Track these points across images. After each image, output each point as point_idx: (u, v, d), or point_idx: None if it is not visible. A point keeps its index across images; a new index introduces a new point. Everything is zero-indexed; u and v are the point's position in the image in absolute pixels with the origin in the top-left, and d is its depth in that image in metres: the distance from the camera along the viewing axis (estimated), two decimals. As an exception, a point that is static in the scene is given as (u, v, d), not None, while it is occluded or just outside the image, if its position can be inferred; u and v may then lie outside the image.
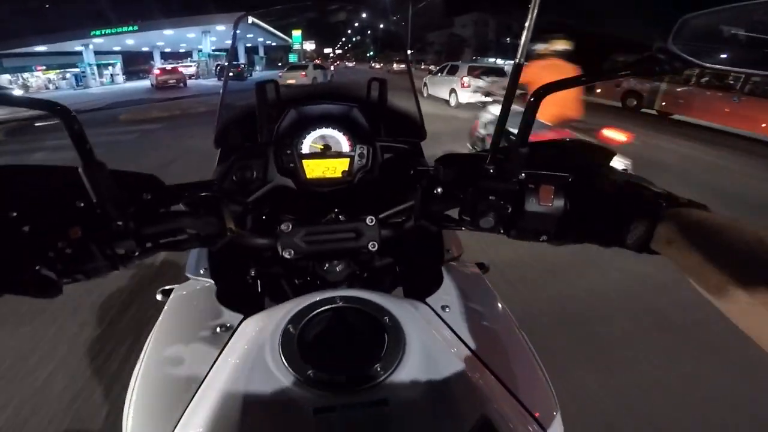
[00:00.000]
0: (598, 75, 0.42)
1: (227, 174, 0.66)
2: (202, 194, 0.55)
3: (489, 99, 4.88)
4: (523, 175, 0.44)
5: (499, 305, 0.59)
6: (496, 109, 3.95)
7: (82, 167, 0.40)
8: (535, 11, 0.41)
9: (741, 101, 7.81)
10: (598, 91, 11.45)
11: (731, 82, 8.42)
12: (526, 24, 0.42)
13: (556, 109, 2.65)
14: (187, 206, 0.54)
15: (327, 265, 0.60)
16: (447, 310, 0.53)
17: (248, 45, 37.03)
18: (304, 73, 15.71)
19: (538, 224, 0.43)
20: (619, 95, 11.15)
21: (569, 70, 2.70)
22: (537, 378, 0.48)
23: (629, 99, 11.03)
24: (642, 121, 8.62)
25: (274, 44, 42.43)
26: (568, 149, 0.54)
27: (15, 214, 0.38)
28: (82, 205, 0.41)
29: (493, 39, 42.99)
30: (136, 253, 0.44)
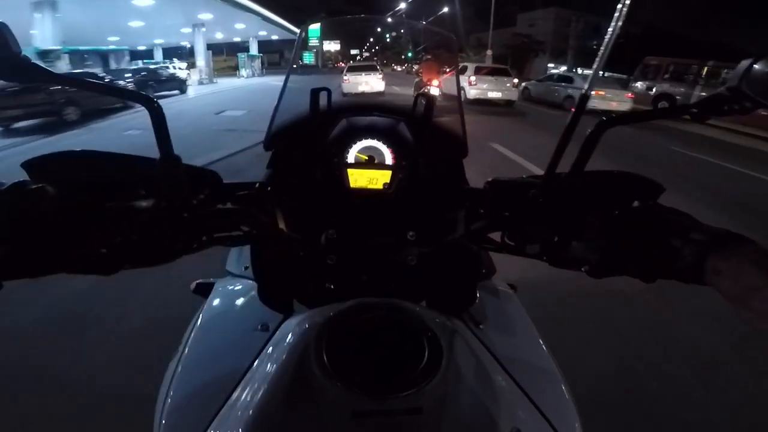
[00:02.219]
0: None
1: (277, 176, 0.68)
2: (256, 194, 0.58)
3: (496, 95, 5.52)
4: (571, 204, 0.44)
5: (530, 325, 0.60)
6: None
7: (160, 159, 0.42)
8: (613, 39, 0.41)
9: None
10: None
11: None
12: (599, 53, 0.42)
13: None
14: (241, 204, 0.56)
15: (361, 273, 0.61)
16: (481, 327, 0.55)
17: (236, 40, 31.31)
18: (380, 75, 12.20)
19: (582, 254, 0.43)
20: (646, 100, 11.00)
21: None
22: (562, 397, 0.49)
23: (660, 103, 10.88)
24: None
25: (275, 39, 34.25)
26: (619, 181, 0.54)
27: (91, 195, 0.40)
28: (152, 194, 0.43)
29: (575, 43, 33.83)
30: (195, 246, 0.46)
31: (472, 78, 11.03)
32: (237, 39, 31.46)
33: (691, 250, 0.35)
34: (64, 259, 0.36)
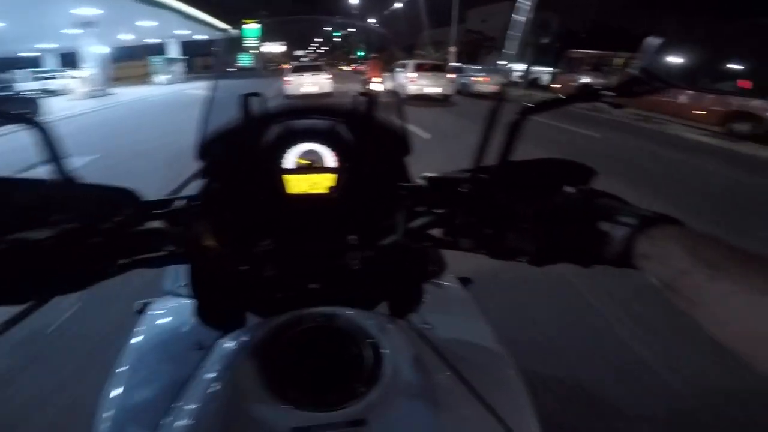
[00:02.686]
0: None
1: (208, 188, 0.65)
2: (182, 209, 0.54)
3: (433, 90, 6.23)
4: (503, 195, 0.44)
5: (481, 321, 0.59)
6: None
7: (56, 182, 0.39)
8: (526, 30, 0.44)
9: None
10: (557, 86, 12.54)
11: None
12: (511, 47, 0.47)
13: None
14: (166, 221, 0.52)
15: (310, 282, 0.60)
16: (428, 327, 0.54)
17: (149, 41, 25.25)
18: (328, 75, 11.66)
19: (517, 245, 0.43)
20: (573, 89, 12.03)
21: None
22: (517, 395, 0.48)
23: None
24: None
25: (201, 39, 28.66)
26: (549, 168, 0.55)
27: None
28: (55, 220, 0.39)
29: (531, 40, 35.94)
30: (111, 271, 0.43)
31: (411, 74, 11.44)
32: (156, 40, 25.92)
33: (620, 234, 0.35)
34: None
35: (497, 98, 0.43)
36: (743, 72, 0.35)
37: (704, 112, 8.71)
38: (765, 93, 0.43)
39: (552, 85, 12.72)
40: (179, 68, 25.62)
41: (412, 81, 11.30)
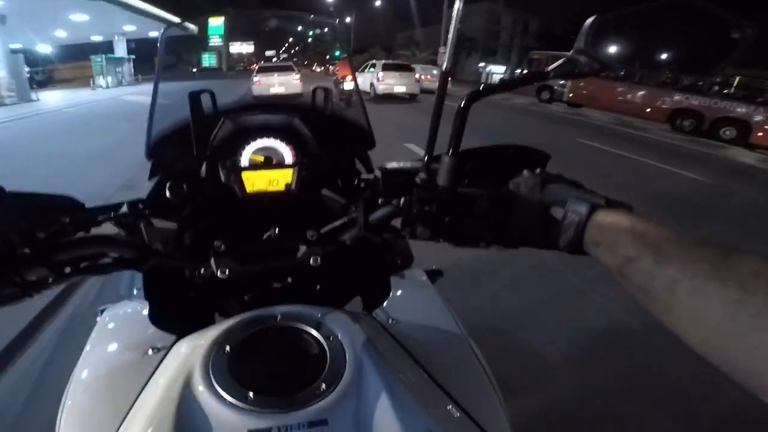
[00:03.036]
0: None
1: (159, 190, 0.62)
2: (129, 214, 0.53)
3: (401, 89, 6.69)
4: (465, 182, 0.44)
5: (448, 314, 0.59)
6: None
7: None
8: (457, 18, 0.43)
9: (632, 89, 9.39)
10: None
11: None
12: (450, 33, 0.44)
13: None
14: (115, 227, 0.51)
15: (270, 281, 0.58)
16: (393, 321, 0.53)
17: (96, 39, 21.64)
18: (297, 75, 11.20)
19: (475, 231, 0.44)
20: (534, 90, 12.55)
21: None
22: (485, 389, 0.48)
23: (543, 92, 12.44)
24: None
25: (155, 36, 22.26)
26: (503, 154, 0.54)
27: None
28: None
29: (507, 40, 32.29)
30: (50, 280, 0.42)
31: (380, 74, 11.96)
32: (98, 38, 22.24)
33: (570, 222, 0.35)
34: None
35: (443, 84, 0.44)
36: (673, 57, 0.37)
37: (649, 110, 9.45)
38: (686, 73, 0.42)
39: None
40: (127, 69, 22.19)
41: (381, 81, 11.89)
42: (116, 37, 21.97)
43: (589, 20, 0.37)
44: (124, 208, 0.53)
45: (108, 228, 0.51)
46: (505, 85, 0.45)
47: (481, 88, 0.43)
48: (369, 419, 0.37)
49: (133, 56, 22.82)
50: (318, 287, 0.63)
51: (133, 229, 0.51)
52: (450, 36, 0.45)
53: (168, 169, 0.64)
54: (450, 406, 0.43)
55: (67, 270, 0.43)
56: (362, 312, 0.54)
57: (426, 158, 0.45)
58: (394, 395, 0.39)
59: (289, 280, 0.59)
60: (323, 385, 0.38)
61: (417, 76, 12.70)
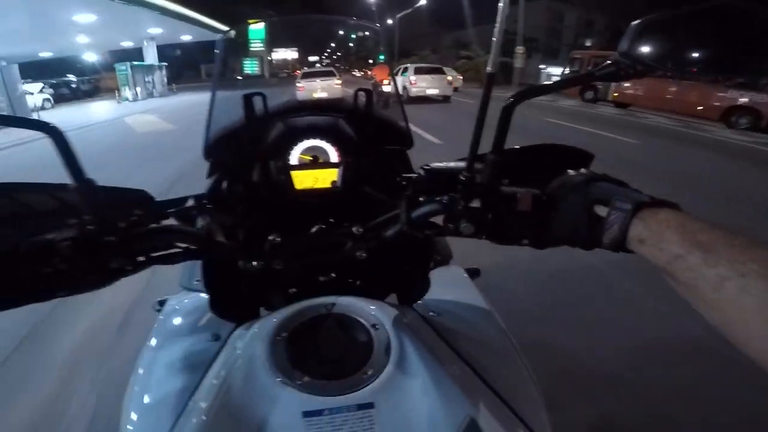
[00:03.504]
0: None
1: (217, 187, 0.67)
2: (192, 208, 0.57)
3: (434, 92, 6.66)
4: (503, 181, 0.45)
5: (487, 309, 0.60)
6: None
7: (73, 185, 0.41)
8: (503, 19, 0.44)
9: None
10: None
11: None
12: (495, 34, 0.48)
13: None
14: (179, 220, 0.55)
15: (319, 273, 0.62)
16: (434, 315, 0.55)
17: (125, 45, 19.53)
18: (338, 80, 12.02)
19: (518, 229, 0.44)
20: (577, 90, 12.24)
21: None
22: (524, 381, 0.49)
23: (587, 92, 12.10)
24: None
25: (191, 41, 22.08)
26: (546, 153, 0.55)
27: (11, 230, 0.39)
28: (75, 221, 0.42)
29: (571, 39, 28.86)
30: (129, 268, 0.45)
31: (413, 78, 12.18)
32: (129, 44, 20.04)
33: (615, 218, 0.36)
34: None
35: (488, 86, 0.44)
36: (719, 59, 0.36)
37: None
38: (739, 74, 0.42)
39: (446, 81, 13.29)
40: (159, 78, 19.49)
41: (413, 84, 12.11)
42: (145, 42, 19.20)
43: (634, 23, 0.37)
44: (190, 202, 0.58)
45: (170, 222, 0.55)
46: (550, 87, 0.45)
47: (526, 89, 0.43)
48: (412, 404, 0.39)
49: (166, 63, 20.24)
50: (357, 282, 0.66)
51: (194, 223, 0.56)
52: (495, 38, 0.50)
53: (224, 168, 0.69)
54: (490, 397, 0.44)
55: (141, 259, 0.46)
56: (404, 305, 0.56)
57: (470, 157, 0.46)
58: (436, 382, 0.41)
59: (333, 274, 0.62)
60: (370, 371, 0.41)
61: (449, 78, 13.04)
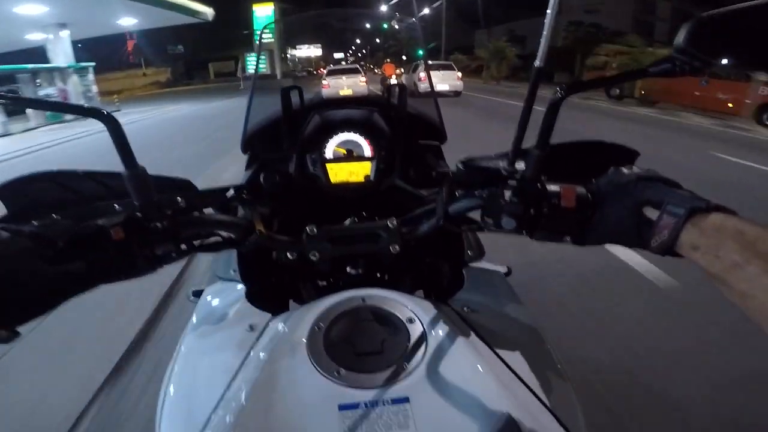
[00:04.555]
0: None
1: (255, 178, 0.69)
2: (233, 198, 0.59)
3: (444, 88, 8.28)
4: (544, 176, 0.44)
5: (521, 307, 0.60)
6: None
7: (125, 172, 0.41)
8: (555, 12, 0.42)
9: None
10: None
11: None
12: (545, 27, 0.42)
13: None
14: (218, 210, 0.56)
15: (349, 267, 0.62)
16: (469, 311, 0.55)
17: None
18: (363, 78, 11.97)
19: (560, 226, 0.43)
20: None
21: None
22: (558, 378, 0.49)
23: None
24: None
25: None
26: (591, 150, 0.54)
27: (63, 216, 0.40)
28: (124, 208, 0.43)
29: (664, 35, 22.39)
30: (173, 255, 0.46)
31: (422, 74, 11.88)
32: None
33: (666, 222, 0.34)
34: (52, 285, 0.36)
35: (536, 81, 0.42)
36: None
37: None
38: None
39: (456, 77, 13.37)
40: (77, 88, 12.48)
41: (423, 80, 11.68)
42: (50, 35, 12.56)
43: (693, 19, 0.36)
44: (230, 193, 0.59)
45: (209, 212, 0.56)
46: (600, 81, 0.44)
47: (574, 83, 0.42)
48: (448, 399, 0.39)
49: (93, 63, 13.50)
50: (386, 276, 0.66)
51: (233, 213, 0.57)
52: (545, 31, 0.44)
53: (262, 160, 0.71)
54: (528, 395, 0.44)
55: (184, 247, 0.47)
56: (438, 300, 0.56)
57: (513, 151, 0.46)
58: (473, 378, 0.41)
59: (360, 270, 0.62)
60: (405, 365, 0.41)
61: (458, 74, 13.35)
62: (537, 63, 0.42)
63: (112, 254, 0.40)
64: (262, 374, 0.42)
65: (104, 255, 0.39)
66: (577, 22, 23.16)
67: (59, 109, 0.41)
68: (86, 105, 0.40)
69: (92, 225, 0.39)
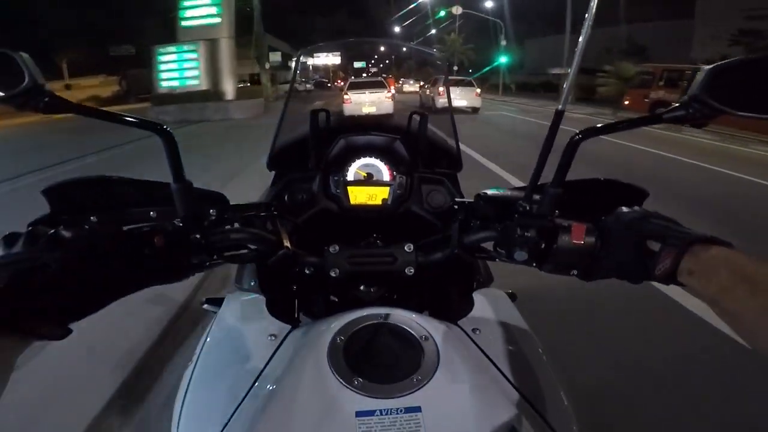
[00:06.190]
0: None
1: (280, 195, 0.73)
2: (261, 213, 0.62)
3: (462, 103, 9.03)
4: (557, 213, 0.47)
5: (527, 331, 0.62)
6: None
7: (174, 185, 0.44)
8: (580, 54, 0.44)
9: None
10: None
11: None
12: (570, 70, 0.45)
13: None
14: (246, 224, 0.59)
15: (363, 285, 0.65)
16: (477, 332, 0.57)
17: None
18: (389, 93, 10.66)
19: (569, 259, 0.46)
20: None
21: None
22: (559, 398, 0.51)
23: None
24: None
25: None
26: (602, 188, 0.56)
27: (109, 220, 0.43)
28: (167, 216, 0.46)
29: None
30: (207, 264, 0.48)
31: (441, 89, 11.09)
32: None
33: (667, 253, 0.37)
34: (103, 285, 0.37)
35: (556, 122, 0.45)
36: None
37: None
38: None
39: (624, 102, 12.84)
40: None
41: (441, 95, 10.93)
42: None
43: (707, 67, 0.38)
44: (256, 209, 0.62)
45: (239, 226, 0.58)
46: (616, 126, 0.44)
47: (593, 128, 0.44)
48: (457, 411, 0.42)
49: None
50: (395, 296, 0.69)
51: (264, 227, 0.60)
52: (569, 78, 0.46)
53: (287, 177, 0.75)
54: (530, 411, 0.46)
55: (216, 257, 0.50)
56: (449, 322, 0.58)
57: (530, 187, 0.48)
58: (480, 393, 0.44)
59: (373, 289, 0.64)
60: (419, 377, 0.43)
61: (477, 90, 13.31)
62: (559, 107, 0.44)
63: (156, 260, 0.42)
64: (283, 380, 0.45)
65: (149, 261, 0.42)
66: (753, 31, 17.61)
67: (123, 122, 0.43)
68: (145, 119, 0.43)
69: (138, 231, 0.42)
